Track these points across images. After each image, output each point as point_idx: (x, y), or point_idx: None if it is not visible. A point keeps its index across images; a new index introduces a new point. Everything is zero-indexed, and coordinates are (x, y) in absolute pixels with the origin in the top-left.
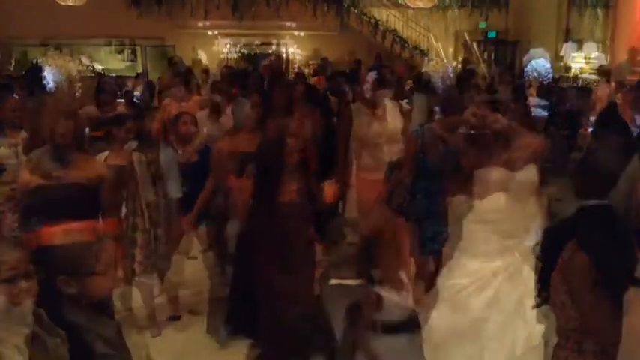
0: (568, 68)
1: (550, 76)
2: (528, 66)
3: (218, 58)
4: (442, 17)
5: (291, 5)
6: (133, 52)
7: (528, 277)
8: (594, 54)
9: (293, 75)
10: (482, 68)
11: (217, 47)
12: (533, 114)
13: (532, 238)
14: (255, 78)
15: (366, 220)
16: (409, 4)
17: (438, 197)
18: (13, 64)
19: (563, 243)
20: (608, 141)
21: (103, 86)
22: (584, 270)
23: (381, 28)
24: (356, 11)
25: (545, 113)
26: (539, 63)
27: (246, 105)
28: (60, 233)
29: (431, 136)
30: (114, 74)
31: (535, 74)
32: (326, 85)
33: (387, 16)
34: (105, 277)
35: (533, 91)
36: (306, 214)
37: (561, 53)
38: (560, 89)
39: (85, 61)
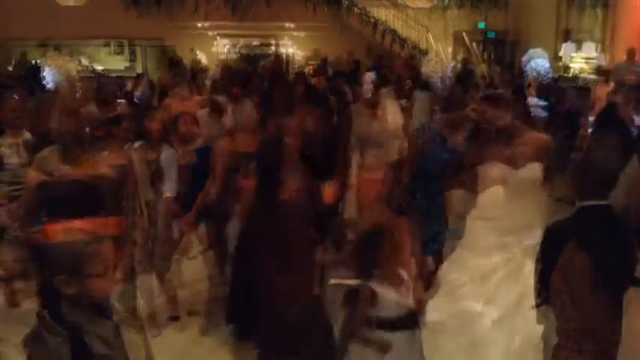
0: (567, 68)
1: (549, 76)
2: (527, 66)
3: (217, 58)
4: (441, 17)
5: (291, 5)
6: (133, 53)
7: (529, 274)
8: (593, 54)
9: (293, 75)
10: (483, 68)
11: (216, 48)
12: (532, 114)
13: (534, 236)
14: (256, 78)
15: (366, 216)
16: (408, 3)
17: (437, 197)
18: (12, 64)
19: (563, 243)
20: (607, 141)
21: (103, 86)
22: (585, 270)
23: (381, 27)
24: (356, 11)
25: (544, 113)
26: (538, 63)
27: (247, 105)
28: (60, 232)
29: (432, 135)
30: (114, 74)
31: (534, 74)
32: (326, 85)
33: (386, 15)
34: (104, 278)
35: (532, 91)
36: (307, 213)
37: (560, 53)
38: (560, 89)
39: (84, 61)
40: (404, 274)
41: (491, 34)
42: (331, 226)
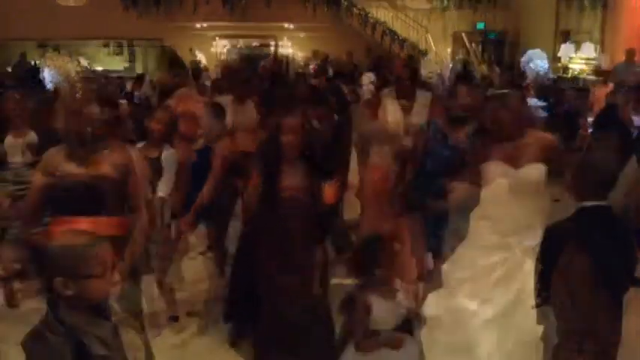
0: (566, 69)
1: (549, 76)
2: (527, 67)
3: (216, 59)
4: (440, 17)
5: (290, 6)
6: (132, 53)
7: (528, 273)
8: (592, 55)
9: (294, 76)
10: (483, 69)
11: (215, 48)
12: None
13: (534, 237)
14: (256, 78)
15: (366, 221)
16: (407, 4)
17: (438, 195)
18: (12, 64)
19: (563, 243)
20: (606, 142)
21: (104, 87)
22: (585, 270)
23: (380, 28)
24: (355, 11)
25: (543, 114)
26: (537, 64)
27: (249, 105)
28: (63, 233)
29: (433, 132)
30: (113, 75)
31: (534, 75)
32: (325, 85)
33: (385, 16)
34: (102, 279)
35: (531, 91)
36: (307, 212)
37: (559, 54)
38: (559, 90)
39: (84, 62)
40: (399, 283)
41: (491, 35)
42: (332, 227)
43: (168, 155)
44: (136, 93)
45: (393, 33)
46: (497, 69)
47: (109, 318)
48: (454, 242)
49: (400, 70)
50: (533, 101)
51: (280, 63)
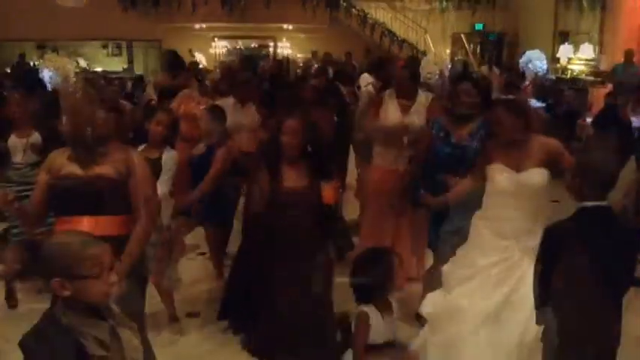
0: (565, 70)
1: (547, 77)
2: (525, 68)
3: (215, 59)
4: (439, 18)
5: (289, 7)
6: (131, 54)
7: (526, 272)
8: (591, 56)
9: (295, 77)
10: (483, 70)
11: (214, 49)
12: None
13: (534, 239)
14: (255, 79)
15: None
16: (406, 5)
17: (439, 193)
18: (11, 65)
19: (563, 243)
20: (606, 142)
21: (105, 88)
22: (585, 271)
23: (379, 29)
24: (354, 12)
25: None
26: (536, 65)
27: (250, 106)
28: (60, 232)
29: (436, 130)
30: (112, 76)
31: (532, 76)
32: (324, 86)
33: (384, 17)
34: (100, 279)
35: (530, 92)
36: (308, 212)
37: (558, 55)
38: (558, 91)
39: (82, 62)
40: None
41: (490, 36)
42: (334, 227)
43: (168, 157)
44: (136, 93)
45: (392, 34)
46: (496, 70)
47: (107, 318)
48: (455, 242)
49: (400, 71)
50: (532, 102)
51: (280, 64)
